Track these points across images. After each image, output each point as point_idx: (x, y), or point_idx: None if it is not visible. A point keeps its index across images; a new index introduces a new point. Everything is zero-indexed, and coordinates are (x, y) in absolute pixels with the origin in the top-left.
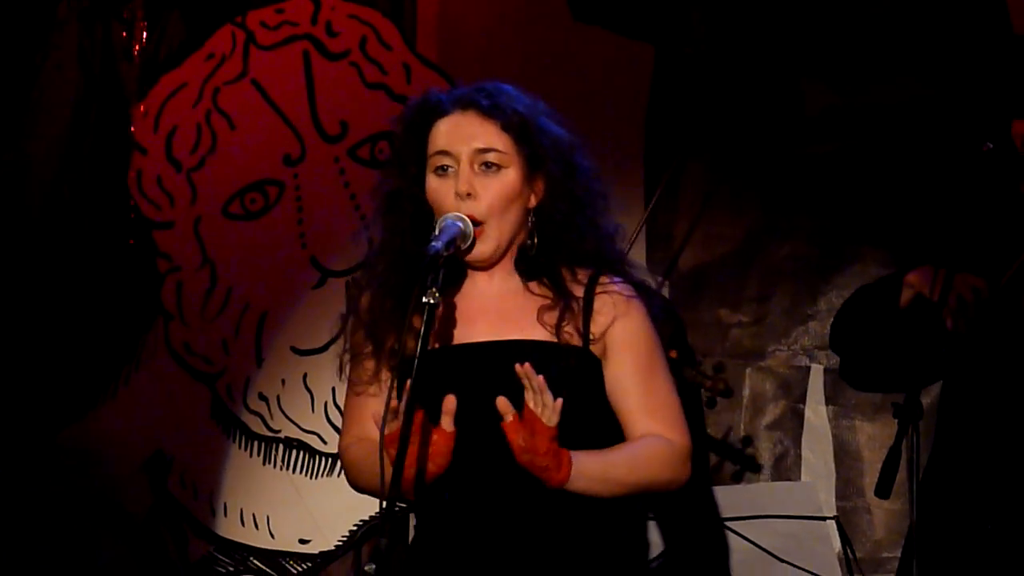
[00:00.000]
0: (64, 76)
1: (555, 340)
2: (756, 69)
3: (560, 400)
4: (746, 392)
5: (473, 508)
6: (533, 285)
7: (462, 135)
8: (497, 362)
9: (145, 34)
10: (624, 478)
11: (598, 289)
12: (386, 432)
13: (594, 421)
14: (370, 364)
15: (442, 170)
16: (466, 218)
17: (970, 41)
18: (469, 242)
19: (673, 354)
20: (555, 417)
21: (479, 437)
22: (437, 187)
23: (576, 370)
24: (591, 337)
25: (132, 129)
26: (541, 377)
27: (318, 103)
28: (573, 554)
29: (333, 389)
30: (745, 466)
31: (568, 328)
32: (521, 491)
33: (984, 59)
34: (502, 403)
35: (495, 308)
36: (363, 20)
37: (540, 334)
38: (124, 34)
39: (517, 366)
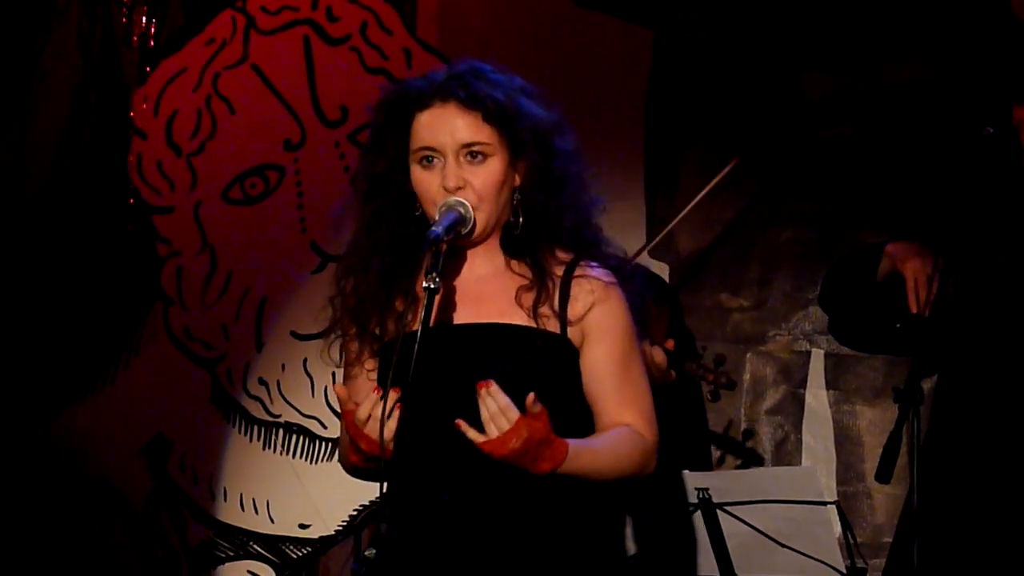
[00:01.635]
0: (64, 61)
1: (533, 324)
2: (756, 53)
3: (532, 394)
4: (747, 377)
5: (448, 489)
6: (515, 264)
7: (445, 129)
8: (474, 345)
9: (145, 19)
10: (602, 468)
11: (577, 273)
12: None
13: (567, 407)
14: (354, 346)
15: (427, 161)
16: (467, 203)
17: (970, 25)
18: (469, 227)
19: (670, 345)
20: (536, 406)
21: (452, 419)
22: (423, 179)
23: (551, 355)
24: (568, 321)
25: (132, 114)
26: (500, 397)
27: (318, 88)
28: (549, 540)
29: (333, 374)
30: (741, 451)
31: (545, 311)
32: (500, 476)
33: (984, 43)
34: (463, 426)
35: (474, 290)
36: (363, 5)
37: (518, 317)
38: (124, 19)
39: (479, 387)
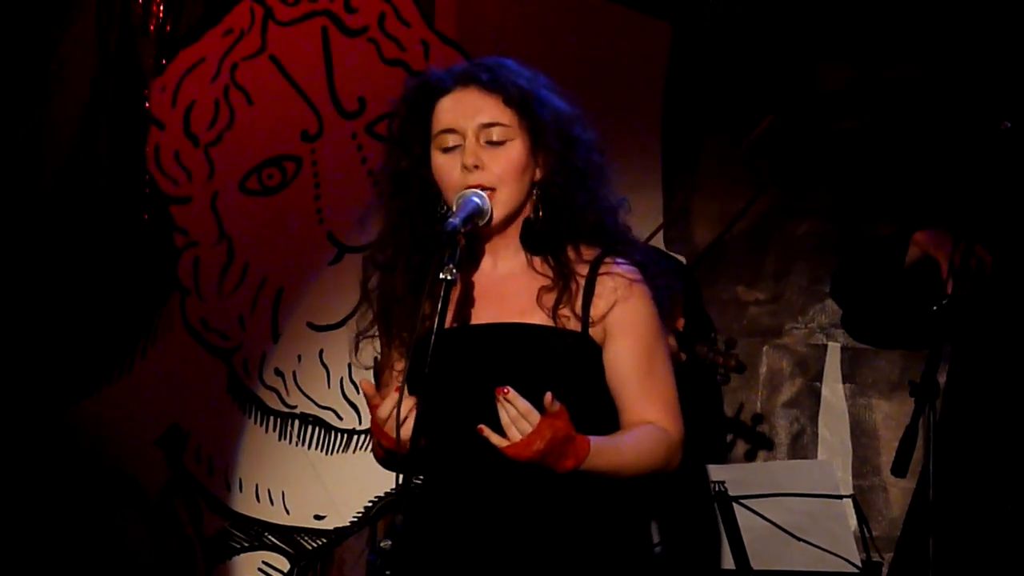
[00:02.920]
0: (82, 51)
1: (552, 324)
2: (774, 46)
3: (549, 394)
4: (763, 370)
5: (470, 488)
6: (537, 262)
7: (466, 111)
8: (494, 345)
9: (163, 9)
10: (625, 465)
11: (601, 270)
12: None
13: (588, 406)
14: (384, 350)
15: (448, 148)
16: (484, 195)
17: (990, 18)
18: (487, 218)
19: (679, 324)
20: (555, 405)
21: (473, 419)
22: (444, 163)
23: (571, 354)
24: (590, 321)
25: (149, 104)
26: (519, 401)
27: (336, 79)
28: (570, 537)
29: (349, 365)
30: (757, 444)
31: (566, 311)
32: (522, 475)
33: (1003, 37)
34: (487, 431)
35: (496, 290)
36: None
37: (539, 317)
38: (141, 9)
39: (497, 393)
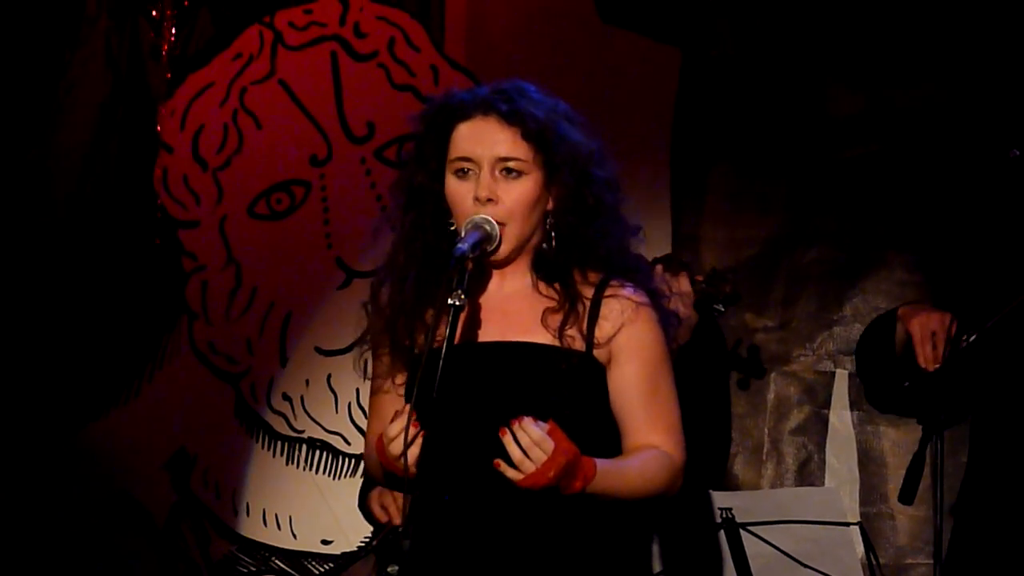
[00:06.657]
0: (92, 73)
1: (557, 344)
2: (783, 72)
3: (551, 420)
4: (770, 397)
5: (474, 510)
6: (543, 286)
7: (484, 142)
8: (497, 364)
9: (173, 33)
10: (630, 488)
11: (607, 293)
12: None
13: (591, 427)
14: (387, 359)
15: (462, 173)
16: (493, 221)
17: (999, 46)
18: (495, 244)
19: (699, 277)
20: (557, 431)
21: (476, 437)
22: (457, 189)
23: (575, 374)
24: (595, 342)
25: (159, 128)
26: (532, 430)
27: (345, 104)
28: (572, 558)
29: (357, 390)
30: (765, 471)
31: (571, 331)
32: (524, 498)
33: (1011, 64)
34: (503, 466)
35: (501, 309)
36: (391, 21)
37: (543, 337)
38: (152, 33)
39: (512, 424)
